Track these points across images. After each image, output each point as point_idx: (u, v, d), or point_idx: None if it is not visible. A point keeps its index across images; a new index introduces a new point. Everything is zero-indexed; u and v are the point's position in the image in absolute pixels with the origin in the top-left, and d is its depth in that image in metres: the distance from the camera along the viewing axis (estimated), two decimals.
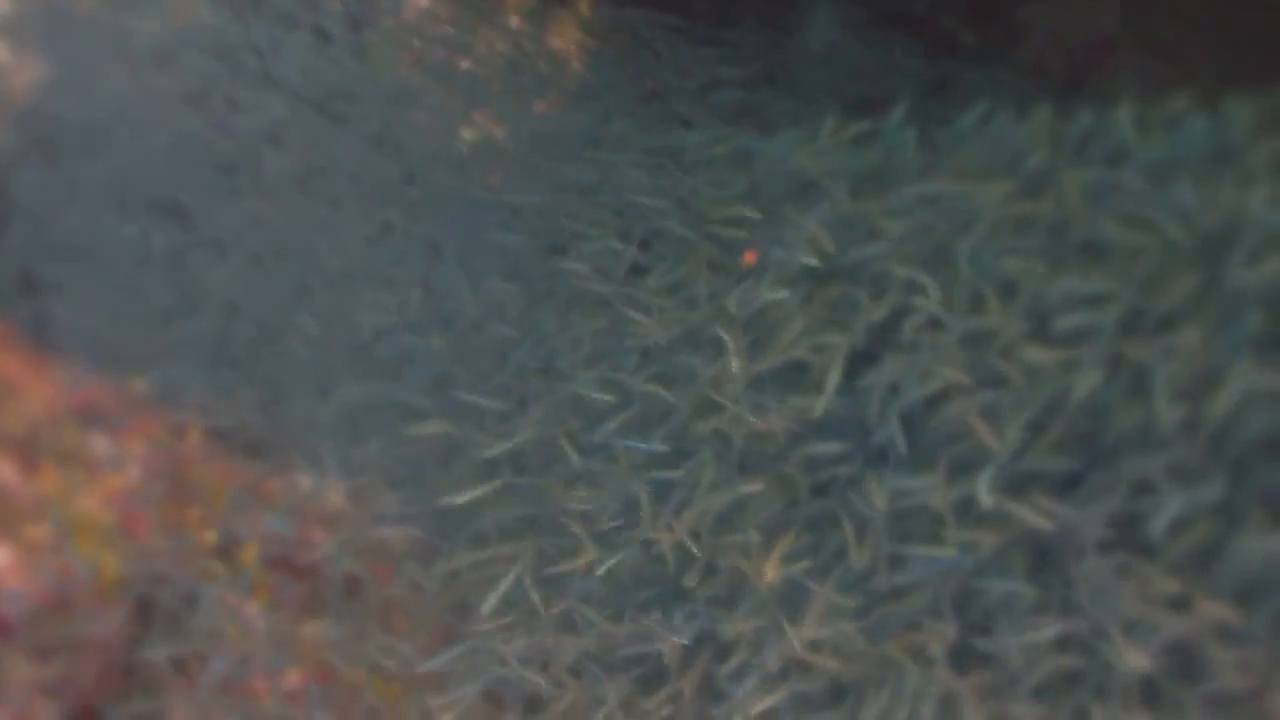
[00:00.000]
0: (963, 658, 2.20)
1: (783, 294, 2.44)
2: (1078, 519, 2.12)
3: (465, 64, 2.86)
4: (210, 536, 2.47)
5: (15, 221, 2.68)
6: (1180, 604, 2.04)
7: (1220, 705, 1.99)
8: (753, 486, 2.34)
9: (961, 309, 2.32)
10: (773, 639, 2.29)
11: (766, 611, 2.32)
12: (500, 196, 2.83)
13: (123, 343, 2.65)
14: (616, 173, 2.83)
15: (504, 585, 2.42)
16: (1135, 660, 2.00)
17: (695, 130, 2.87)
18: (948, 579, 2.22)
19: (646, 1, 2.98)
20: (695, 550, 2.35)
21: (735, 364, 2.39)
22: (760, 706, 2.23)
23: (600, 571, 2.41)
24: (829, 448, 2.34)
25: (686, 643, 2.35)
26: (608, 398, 2.53)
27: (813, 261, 2.45)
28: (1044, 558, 2.19)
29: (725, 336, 2.42)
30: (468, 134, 2.78)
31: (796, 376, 2.48)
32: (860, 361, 2.42)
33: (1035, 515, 2.13)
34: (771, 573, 2.28)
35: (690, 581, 2.36)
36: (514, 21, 2.87)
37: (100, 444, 2.48)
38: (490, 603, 2.44)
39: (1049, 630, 2.08)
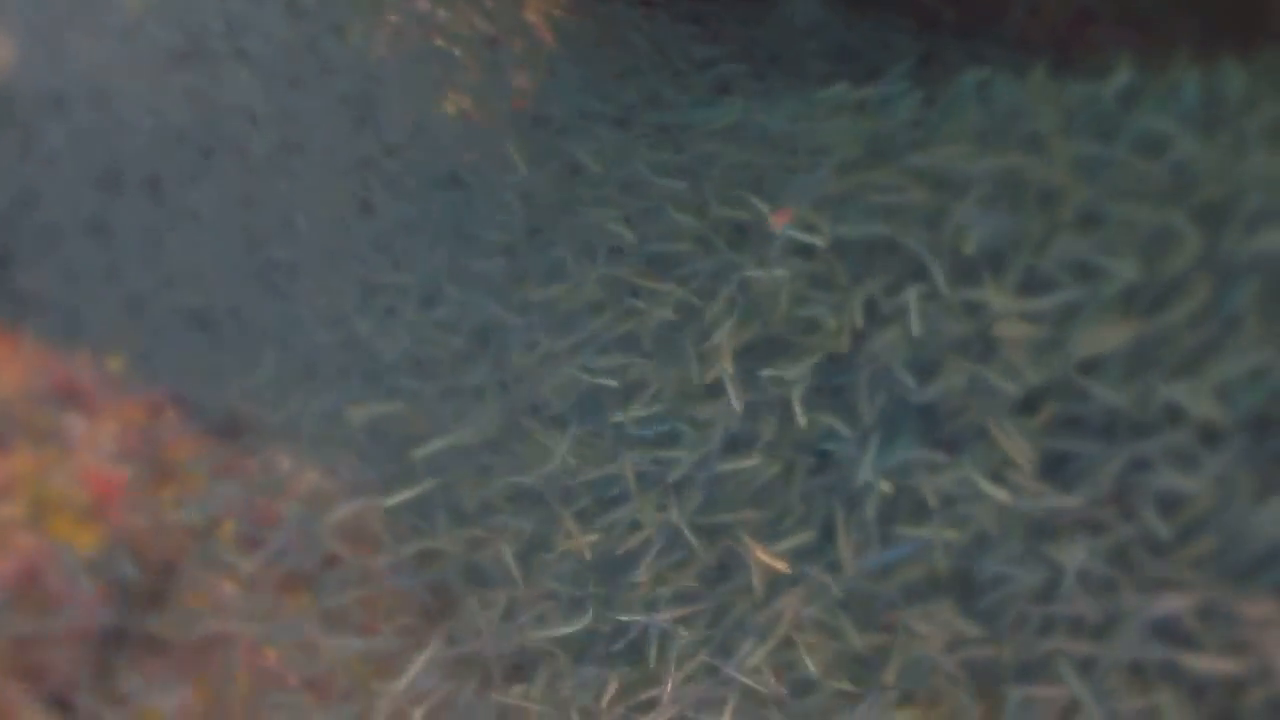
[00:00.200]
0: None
1: (780, 273, 2.43)
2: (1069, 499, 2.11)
3: (442, 41, 2.84)
4: (186, 516, 2.45)
5: None
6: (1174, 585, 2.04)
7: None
8: (747, 462, 2.33)
9: (960, 280, 2.31)
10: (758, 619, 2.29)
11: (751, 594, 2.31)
12: (481, 173, 2.81)
13: (98, 321, 2.63)
14: (601, 147, 2.81)
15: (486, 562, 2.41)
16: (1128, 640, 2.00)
17: (680, 105, 2.85)
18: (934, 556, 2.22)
19: None
20: (688, 534, 2.34)
21: (725, 339, 2.37)
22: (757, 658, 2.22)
23: (588, 555, 2.41)
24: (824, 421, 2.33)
25: (667, 624, 2.35)
26: (596, 379, 2.52)
27: (817, 240, 2.43)
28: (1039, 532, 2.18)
29: (712, 312, 2.41)
30: (447, 109, 2.76)
31: (789, 350, 2.47)
32: (857, 336, 2.41)
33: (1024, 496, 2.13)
34: (767, 559, 2.27)
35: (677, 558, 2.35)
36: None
37: (74, 423, 2.47)
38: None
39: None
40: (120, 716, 2.30)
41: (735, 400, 2.38)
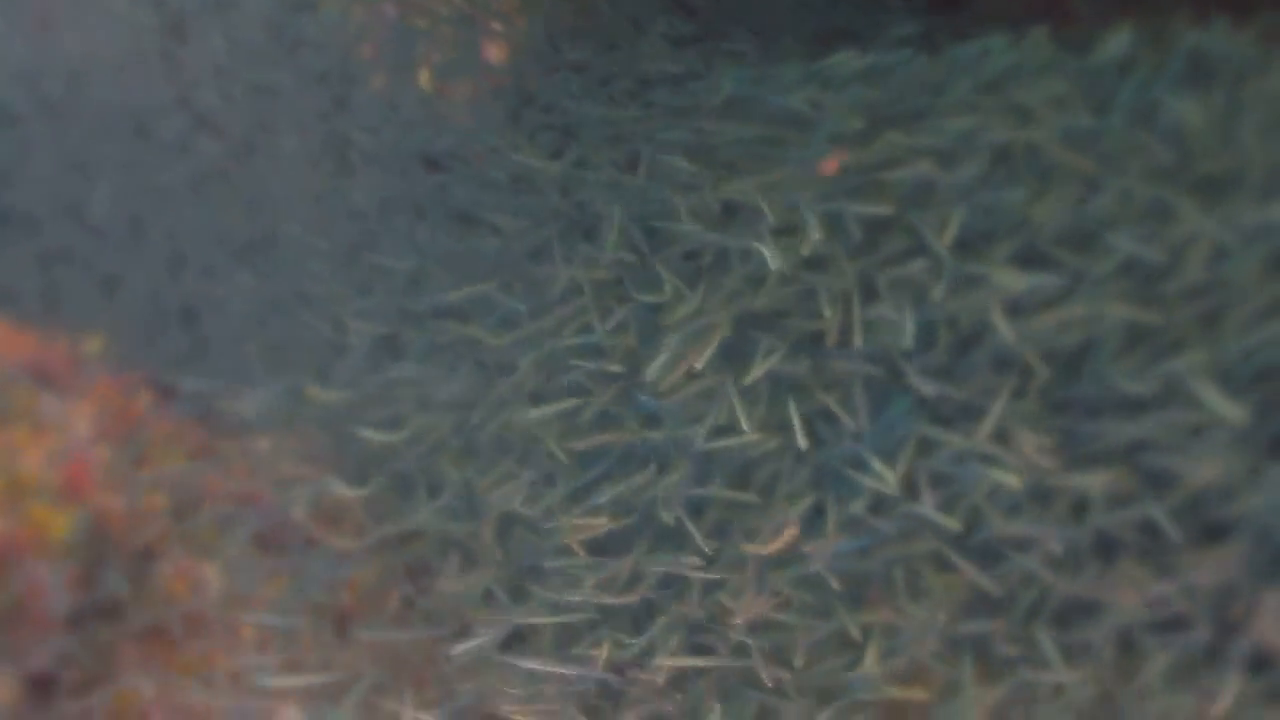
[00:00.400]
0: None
1: (770, 253, 2.41)
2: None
3: (419, 20, 2.82)
4: (162, 498, 2.43)
5: None
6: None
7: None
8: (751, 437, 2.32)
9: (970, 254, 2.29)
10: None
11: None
12: (462, 152, 2.79)
13: (74, 303, 2.61)
14: (586, 124, 2.79)
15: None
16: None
17: (665, 79, 2.83)
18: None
19: None
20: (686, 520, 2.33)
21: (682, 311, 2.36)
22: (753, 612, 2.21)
23: (577, 538, 2.39)
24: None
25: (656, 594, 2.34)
26: (579, 359, 2.50)
27: (815, 235, 2.41)
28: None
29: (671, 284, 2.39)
30: (425, 87, 2.74)
31: (780, 329, 2.45)
32: (851, 314, 2.39)
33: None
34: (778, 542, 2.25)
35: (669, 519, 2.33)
36: None
37: (49, 404, 2.44)
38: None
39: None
40: (98, 698, 2.28)
41: (731, 385, 2.37)
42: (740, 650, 2.28)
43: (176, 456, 2.49)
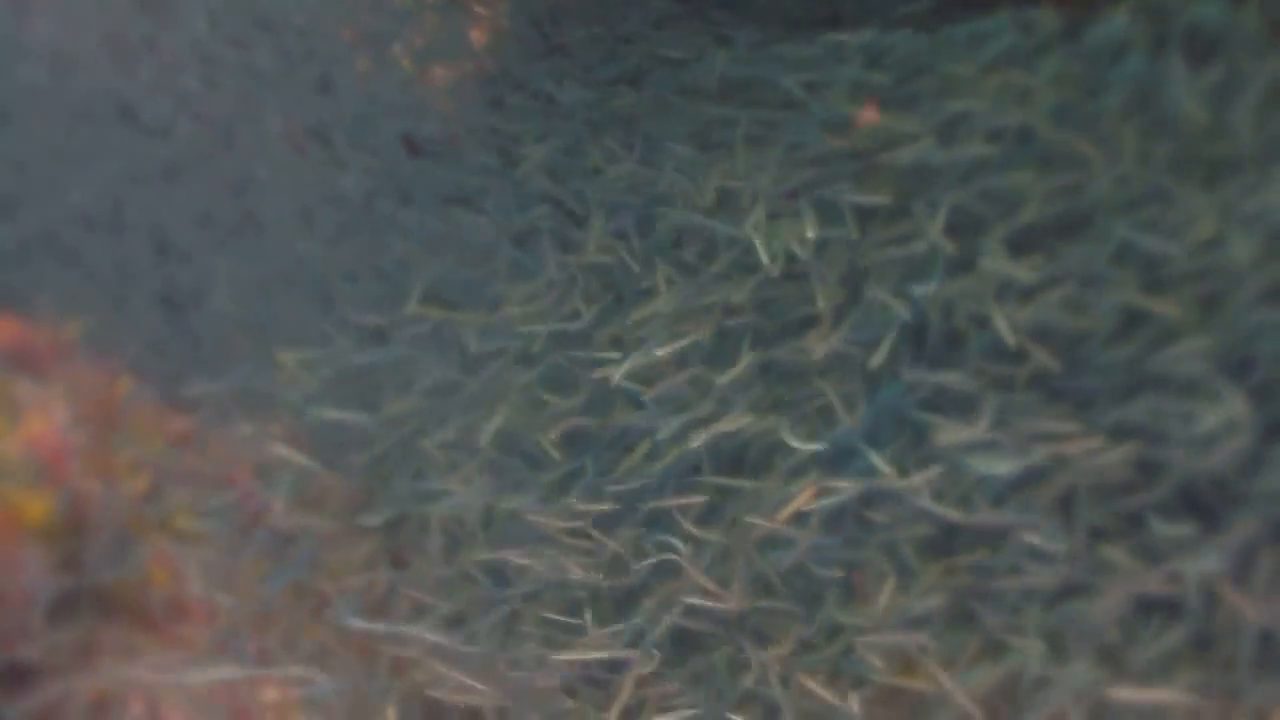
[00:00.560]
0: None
1: (762, 245, 2.39)
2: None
3: (402, 2, 2.80)
4: (140, 483, 2.41)
5: None
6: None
7: None
8: (735, 424, 2.30)
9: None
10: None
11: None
12: (446, 134, 2.77)
13: (55, 287, 2.58)
14: (575, 109, 2.77)
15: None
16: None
17: (651, 60, 2.81)
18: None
19: None
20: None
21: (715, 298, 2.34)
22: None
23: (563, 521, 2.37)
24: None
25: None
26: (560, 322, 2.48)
27: (808, 234, 2.39)
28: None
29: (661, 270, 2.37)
30: (408, 68, 2.72)
31: (778, 313, 2.43)
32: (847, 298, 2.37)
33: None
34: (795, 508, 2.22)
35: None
36: None
37: (27, 388, 2.42)
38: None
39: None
40: (78, 681, 2.26)
41: (734, 367, 2.35)
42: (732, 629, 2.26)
43: (156, 441, 2.47)
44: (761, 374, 2.39)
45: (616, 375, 2.39)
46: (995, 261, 2.23)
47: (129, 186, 2.69)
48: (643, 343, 2.46)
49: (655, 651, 2.26)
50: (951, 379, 2.19)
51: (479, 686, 2.16)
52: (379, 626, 2.25)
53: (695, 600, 2.26)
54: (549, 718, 2.14)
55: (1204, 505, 2.00)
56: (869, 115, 2.48)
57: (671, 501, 2.31)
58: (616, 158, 2.68)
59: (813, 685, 2.08)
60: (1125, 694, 1.89)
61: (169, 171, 2.69)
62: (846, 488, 2.17)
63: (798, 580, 2.25)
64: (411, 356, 2.55)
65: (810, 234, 2.37)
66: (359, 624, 2.26)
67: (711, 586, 2.18)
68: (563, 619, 2.32)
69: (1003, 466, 2.09)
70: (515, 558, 2.31)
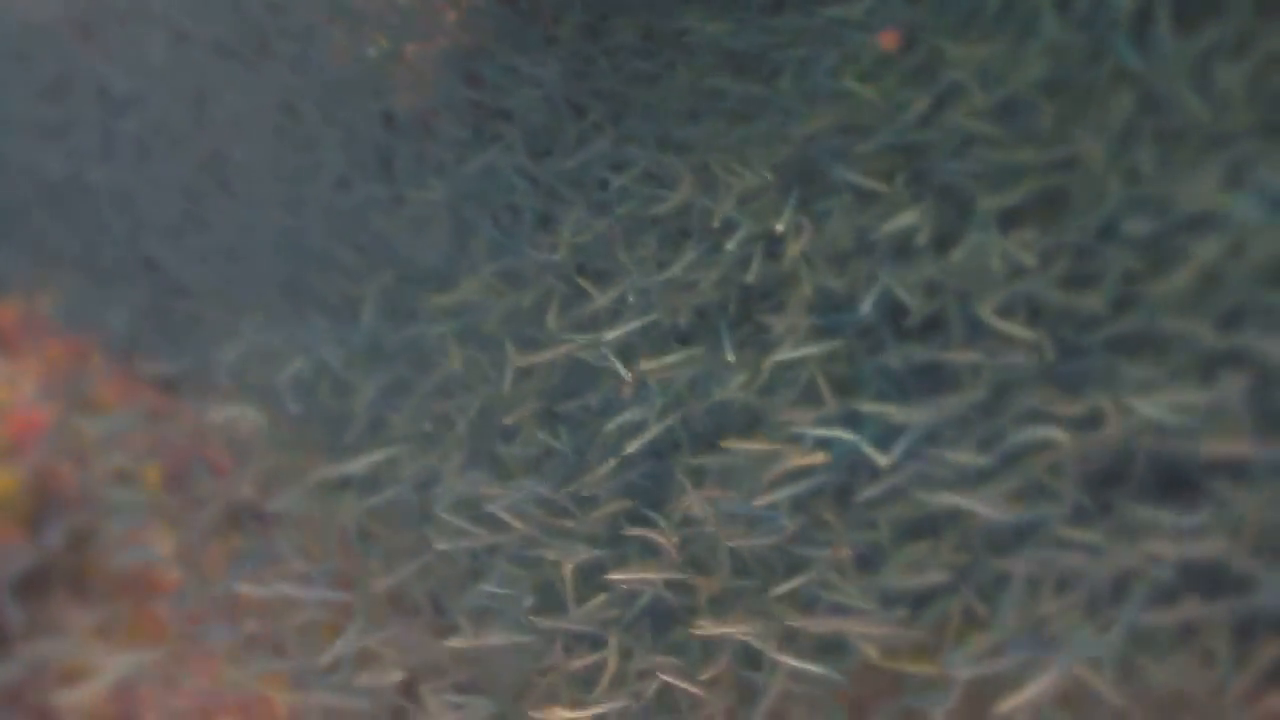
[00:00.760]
0: None
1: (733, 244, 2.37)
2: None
3: None
4: (112, 458, 2.38)
5: None
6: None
7: None
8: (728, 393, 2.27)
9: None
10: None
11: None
12: (422, 110, 2.74)
13: (28, 262, 2.55)
14: (559, 84, 2.74)
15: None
16: None
17: (629, 34, 2.78)
18: None
19: None
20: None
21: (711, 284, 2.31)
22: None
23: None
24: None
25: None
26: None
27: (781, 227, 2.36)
28: None
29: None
30: (374, 52, 2.69)
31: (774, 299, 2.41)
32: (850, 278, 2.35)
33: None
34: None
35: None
36: None
37: None
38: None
39: None
40: (45, 657, 2.23)
41: (727, 344, 2.32)
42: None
43: (128, 417, 2.43)
44: (739, 352, 2.37)
45: (602, 349, 2.37)
46: (987, 237, 2.21)
47: (104, 161, 2.66)
48: (620, 320, 2.43)
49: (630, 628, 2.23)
50: (932, 356, 2.17)
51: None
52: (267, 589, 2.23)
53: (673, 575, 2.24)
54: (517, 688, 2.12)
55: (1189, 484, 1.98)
56: (889, 39, 2.46)
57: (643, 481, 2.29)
58: (599, 132, 2.66)
59: (794, 661, 2.06)
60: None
61: (141, 146, 2.65)
62: (826, 462, 2.15)
63: (775, 558, 2.23)
64: (385, 332, 2.53)
65: (780, 227, 2.36)
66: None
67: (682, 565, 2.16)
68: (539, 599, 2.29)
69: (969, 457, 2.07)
70: (487, 537, 2.29)
